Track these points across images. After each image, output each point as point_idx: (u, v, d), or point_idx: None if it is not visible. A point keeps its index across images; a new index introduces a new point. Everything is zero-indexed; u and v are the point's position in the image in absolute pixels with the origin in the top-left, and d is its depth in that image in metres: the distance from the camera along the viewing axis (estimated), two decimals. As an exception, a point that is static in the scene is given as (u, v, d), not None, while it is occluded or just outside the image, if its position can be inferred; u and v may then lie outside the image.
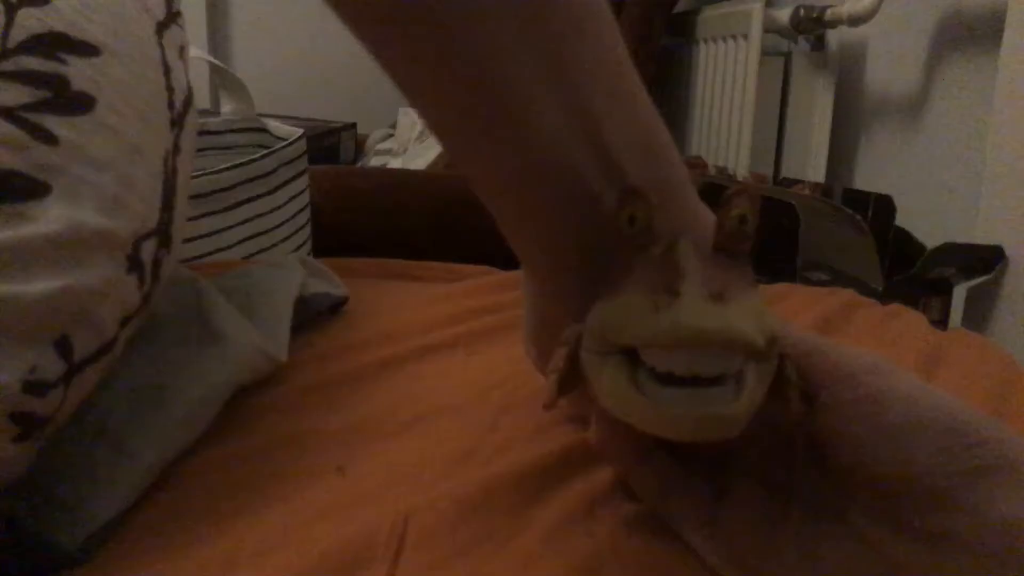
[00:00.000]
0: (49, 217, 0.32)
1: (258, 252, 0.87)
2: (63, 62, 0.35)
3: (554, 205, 0.31)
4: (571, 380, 0.31)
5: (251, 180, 0.86)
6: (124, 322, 0.37)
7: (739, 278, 0.28)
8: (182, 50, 0.47)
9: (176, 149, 0.42)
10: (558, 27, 0.29)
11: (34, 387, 0.31)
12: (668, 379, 0.27)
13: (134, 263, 0.37)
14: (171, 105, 0.43)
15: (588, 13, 0.30)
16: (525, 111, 0.29)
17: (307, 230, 0.99)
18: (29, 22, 0.34)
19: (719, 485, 0.33)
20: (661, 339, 0.26)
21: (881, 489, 0.27)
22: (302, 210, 0.96)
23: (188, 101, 0.45)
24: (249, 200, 0.86)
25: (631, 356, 0.28)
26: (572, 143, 0.30)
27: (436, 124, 0.32)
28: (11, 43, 0.33)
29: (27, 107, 0.33)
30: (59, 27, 0.36)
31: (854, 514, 0.28)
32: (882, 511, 0.27)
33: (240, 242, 0.85)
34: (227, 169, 0.83)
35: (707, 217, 0.33)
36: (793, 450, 0.32)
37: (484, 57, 0.29)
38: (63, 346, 0.33)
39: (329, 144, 1.63)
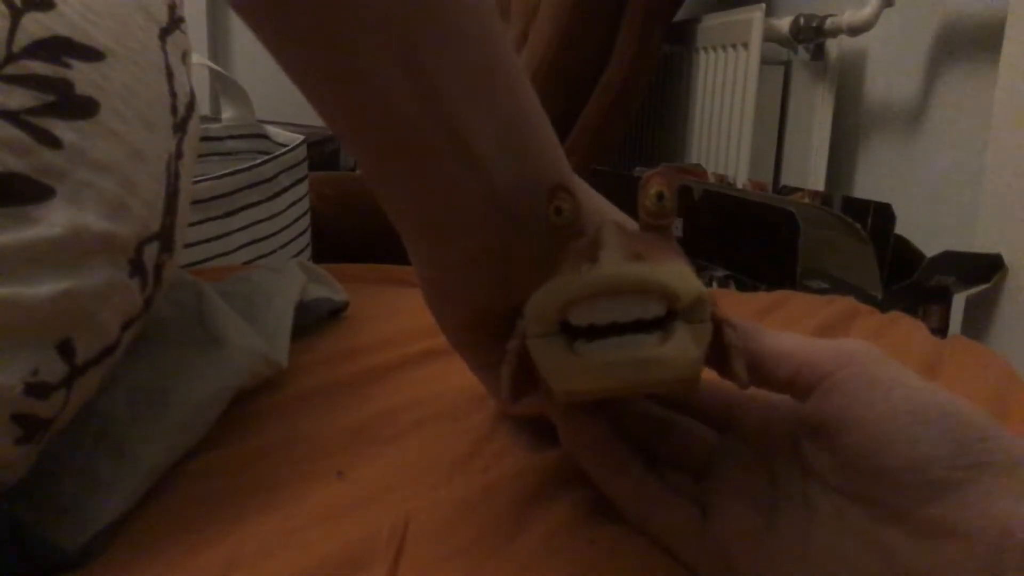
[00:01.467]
0: (52, 220, 0.32)
1: (258, 257, 0.87)
2: (67, 66, 0.35)
3: (421, 191, 0.32)
4: (525, 377, 0.32)
5: (252, 186, 0.86)
6: (126, 325, 0.37)
7: (661, 248, 0.30)
8: (185, 55, 0.47)
9: (179, 153, 0.42)
10: (416, 24, 0.30)
11: (36, 389, 0.32)
12: (596, 334, 0.28)
13: (136, 267, 0.37)
14: (174, 110, 0.43)
15: (456, 8, 0.31)
16: (383, 100, 0.30)
17: (307, 236, 0.99)
18: (34, 27, 0.35)
19: (702, 502, 0.33)
20: (581, 291, 0.27)
21: (883, 477, 0.27)
22: (302, 216, 0.97)
23: (191, 106, 0.45)
24: (249, 206, 0.86)
25: (569, 333, 0.29)
26: (429, 131, 0.31)
27: (322, 116, 0.33)
28: (16, 47, 0.34)
29: (31, 111, 0.33)
30: (64, 32, 0.36)
31: (851, 509, 0.28)
32: (882, 501, 0.27)
33: (240, 247, 0.85)
34: (228, 175, 0.83)
35: (597, 200, 0.36)
36: (775, 459, 0.32)
37: (343, 46, 0.30)
38: (65, 349, 0.33)
39: (330, 151, 1.64)
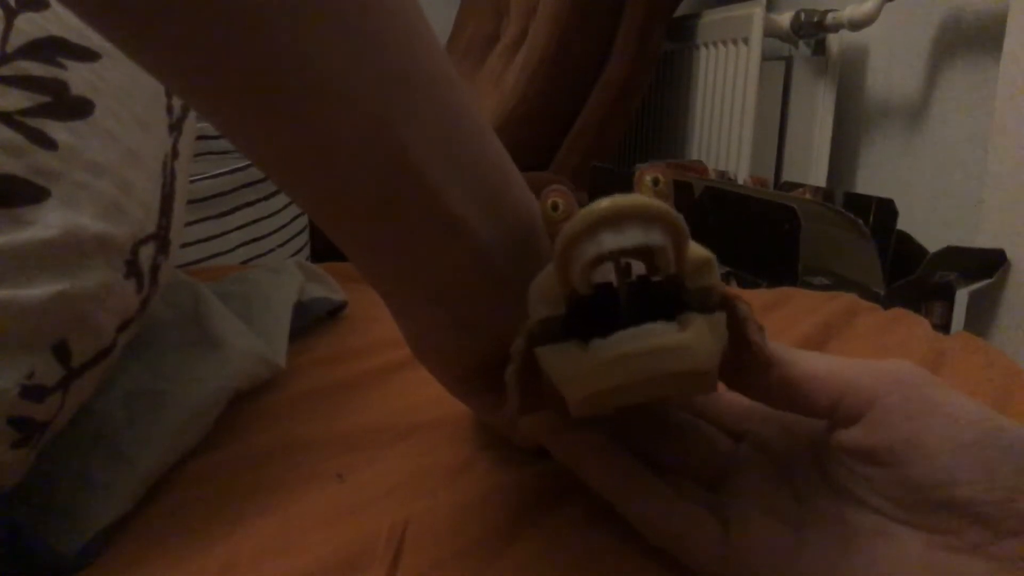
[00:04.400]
0: (48, 222, 0.32)
1: (256, 256, 0.87)
2: (62, 67, 0.35)
3: (404, 261, 0.31)
4: (531, 391, 0.31)
5: (249, 185, 0.86)
6: (122, 327, 0.37)
7: None
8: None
9: (174, 153, 0.42)
10: (383, 94, 0.28)
11: (32, 392, 0.31)
12: (609, 328, 0.27)
13: (132, 268, 0.37)
14: (169, 110, 0.42)
15: (421, 73, 0.29)
16: (355, 175, 0.28)
17: (305, 235, 0.99)
18: (28, 27, 0.34)
19: (721, 514, 0.32)
20: (581, 224, 0.26)
21: (957, 508, 0.26)
22: (300, 215, 0.96)
23: (186, 106, 0.45)
24: (247, 204, 0.86)
25: (581, 335, 0.28)
26: (405, 201, 0.29)
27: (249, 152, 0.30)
28: (10, 48, 0.33)
29: (26, 112, 0.33)
30: (58, 32, 0.36)
31: (908, 534, 0.27)
32: (955, 531, 0.26)
33: (238, 246, 0.85)
34: (225, 173, 0.83)
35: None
36: (796, 474, 0.32)
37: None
38: (61, 351, 0.33)
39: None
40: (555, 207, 0.29)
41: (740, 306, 0.30)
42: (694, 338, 0.27)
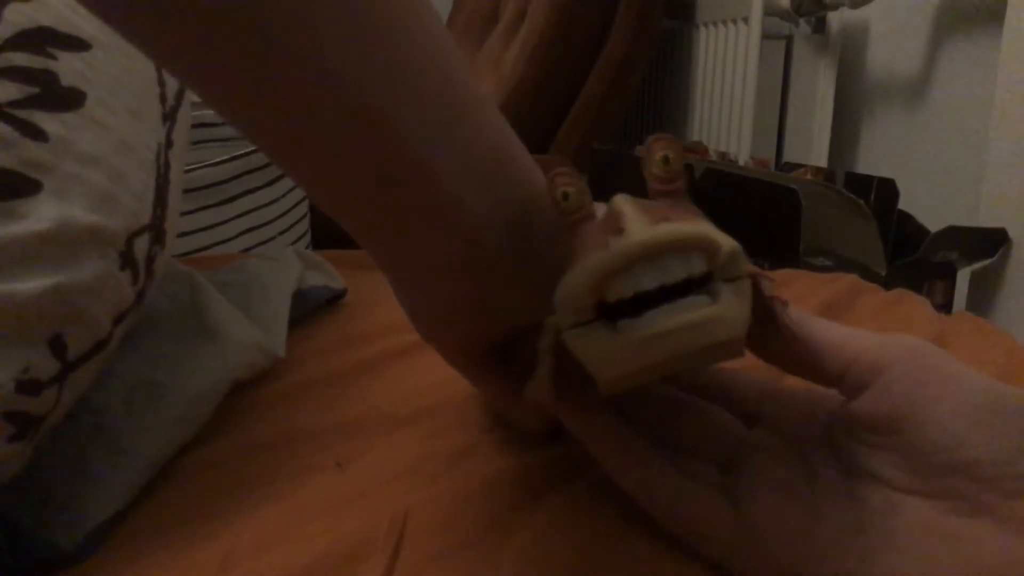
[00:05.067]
0: (40, 214, 0.32)
1: (257, 244, 0.87)
2: (52, 57, 0.35)
3: (398, 240, 0.31)
4: (563, 380, 0.31)
5: (249, 172, 0.85)
6: (118, 319, 0.36)
7: (683, 209, 0.28)
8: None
9: (168, 143, 0.42)
10: (367, 69, 0.27)
11: (28, 386, 0.31)
12: (640, 307, 0.27)
13: (127, 259, 0.36)
14: (163, 99, 0.42)
15: (413, 48, 0.28)
16: (344, 151, 0.28)
17: (306, 222, 0.99)
18: (17, 17, 0.34)
19: (732, 495, 0.32)
20: (617, 262, 0.26)
21: (960, 471, 0.26)
22: (301, 202, 0.96)
23: (180, 95, 0.45)
24: (247, 192, 0.86)
25: (608, 317, 0.28)
26: (396, 175, 0.29)
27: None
28: (-1, 39, 0.33)
29: (16, 103, 0.33)
30: (48, 22, 0.35)
31: (915, 502, 0.27)
32: (960, 494, 0.26)
33: (239, 235, 0.85)
34: (225, 161, 0.82)
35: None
36: (810, 454, 0.32)
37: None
38: (56, 345, 0.33)
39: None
40: (565, 196, 0.29)
41: (764, 283, 0.29)
42: (726, 309, 0.27)
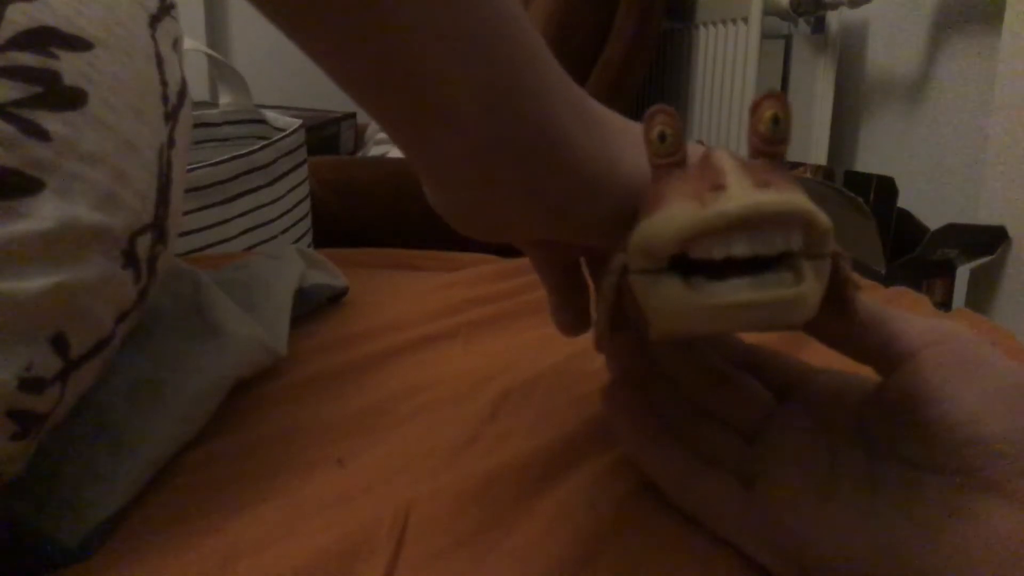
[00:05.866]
0: (43, 213, 0.32)
1: (259, 244, 0.87)
2: (55, 57, 0.35)
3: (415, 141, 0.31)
4: (618, 315, 0.30)
5: (250, 172, 0.85)
6: (120, 318, 0.37)
7: (782, 175, 0.27)
8: (176, 42, 0.47)
9: (171, 143, 0.42)
10: None
11: (31, 384, 0.31)
12: (723, 273, 0.26)
13: (129, 258, 0.37)
14: (165, 99, 0.42)
15: None
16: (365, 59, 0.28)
17: (307, 221, 0.99)
18: (19, 17, 0.34)
19: (750, 467, 0.33)
20: (716, 223, 0.24)
21: (977, 447, 0.27)
22: (302, 201, 0.96)
23: (183, 94, 0.45)
24: (249, 192, 0.86)
25: (682, 269, 0.27)
26: (412, 89, 0.28)
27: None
28: (1, 39, 0.33)
29: (18, 103, 0.33)
30: (50, 21, 0.35)
31: (929, 479, 0.28)
32: (973, 470, 0.27)
33: (240, 234, 0.85)
34: (226, 161, 0.82)
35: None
36: (837, 434, 0.32)
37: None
38: (59, 343, 0.33)
39: (329, 134, 1.63)
40: (662, 137, 0.28)
41: (843, 265, 0.29)
42: (809, 291, 0.26)
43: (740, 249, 0.25)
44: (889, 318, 0.30)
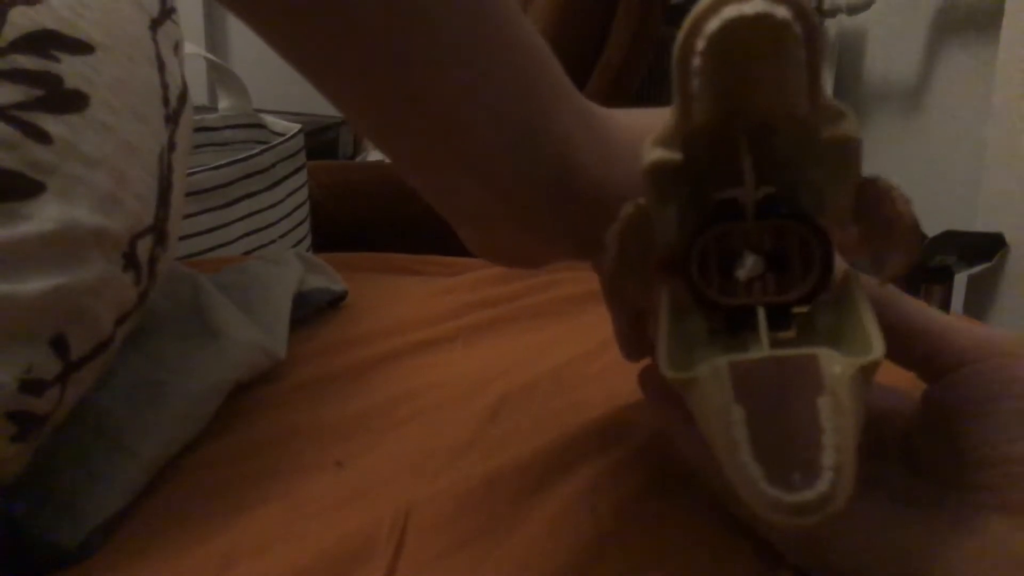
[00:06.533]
0: (43, 216, 0.32)
1: (258, 248, 0.87)
2: (56, 60, 0.35)
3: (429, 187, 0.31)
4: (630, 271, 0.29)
5: (249, 176, 0.86)
6: (120, 320, 0.37)
7: None
8: (176, 46, 0.47)
9: (171, 146, 0.42)
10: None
11: (31, 386, 0.31)
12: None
13: (130, 261, 0.37)
14: (166, 102, 0.42)
15: None
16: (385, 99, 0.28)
17: (307, 225, 0.99)
18: (21, 20, 0.34)
19: None
20: (699, 8, 0.23)
21: (998, 466, 0.27)
22: (301, 205, 0.96)
23: (183, 97, 0.45)
24: (248, 196, 0.86)
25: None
26: (429, 132, 0.29)
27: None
28: (3, 41, 0.33)
29: (20, 106, 0.33)
30: (52, 25, 0.36)
31: (952, 495, 0.28)
32: (1004, 498, 0.26)
33: (239, 238, 0.85)
34: (225, 165, 0.82)
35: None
36: (885, 453, 0.32)
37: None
38: (59, 345, 0.33)
39: (328, 139, 1.63)
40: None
41: (881, 181, 0.27)
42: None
43: (729, 11, 0.23)
44: (938, 327, 0.30)
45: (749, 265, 0.27)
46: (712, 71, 0.24)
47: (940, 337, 0.29)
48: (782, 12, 0.23)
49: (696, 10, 0.23)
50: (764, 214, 0.27)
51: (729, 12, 0.23)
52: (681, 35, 0.24)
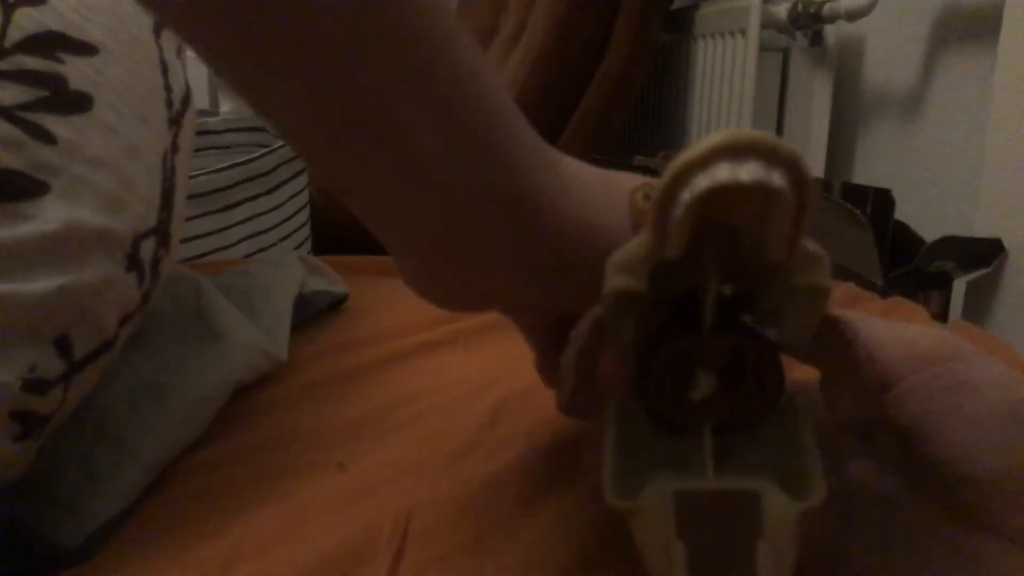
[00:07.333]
0: (48, 216, 0.32)
1: (258, 251, 0.87)
2: (61, 61, 0.35)
3: (377, 208, 0.30)
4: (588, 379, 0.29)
5: (250, 179, 0.86)
6: (123, 321, 0.37)
7: None
8: (180, 50, 0.47)
9: (174, 148, 0.42)
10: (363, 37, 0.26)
11: (34, 386, 0.32)
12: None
13: (133, 262, 0.37)
14: (169, 104, 0.43)
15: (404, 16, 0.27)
16: (333, 115, 0.27)
17: (307, 229, 0.99)
18: (27, 22, 0.34)
19: None
20: (692, 156, 0.23)
21: (971, 486, 0.25)
22: (301, 209, 0.96)
23: (186, 100, 0.45)
24: (249, 199, 0.86)
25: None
26: (378, 149, 0.28)
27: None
28: (8, 43, 0.33)
29: (25, 106, 0.33)
30: (57, 26, 0.36)
31: (932, 511, 0.27)
32: (970, 509, 0.26)
33: (240, 241, 0.85)
34: (226, 168, 0.83)
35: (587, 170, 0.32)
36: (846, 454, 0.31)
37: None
38: (63, 345, 0.33)
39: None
40: (646, 196, 0.27)
41: (843, 324, 0.27)
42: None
43: (722, 174, 0.22)
44: (877, 338, 0.28)
45: (703, 387, 0.27)
46: (693, 222, 0.23)
47: (881, 351, 0.28)
48: (777, 180, 0.22)
49: (686, 159, 0.22)
50: (724, 320, 0.27)
51: (721, 175, 0.22)
52: (667, 179, 0.23)
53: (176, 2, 0.25)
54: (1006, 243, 1.08)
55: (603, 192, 0.31)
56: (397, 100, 0.26)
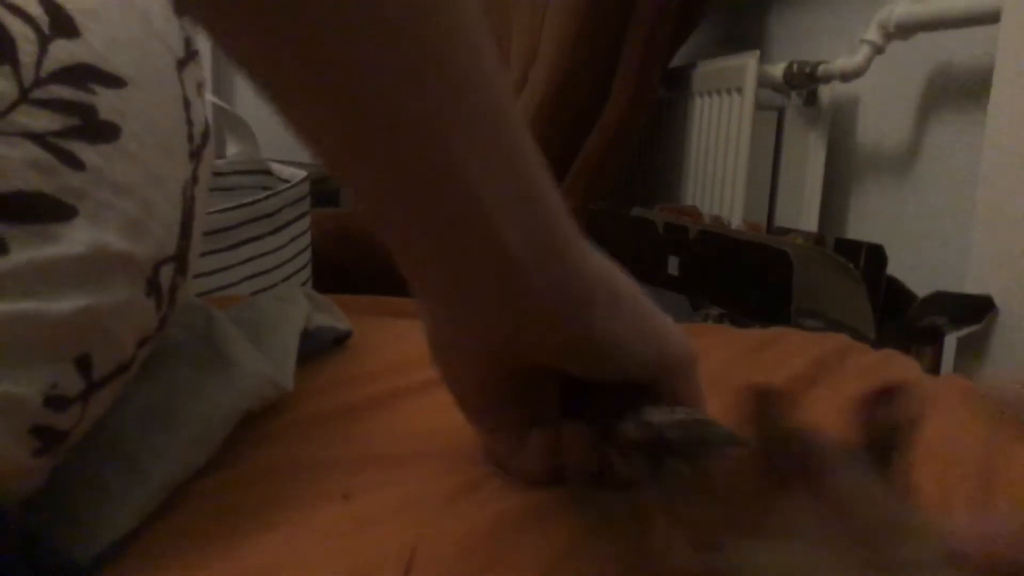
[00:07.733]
0: (74, 238, 0.34)
1: (261, 290, 0.88)
2: (92, 92, 0.37)
3: (438, 259, 0.34)
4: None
5: (255, 220, 0.87)
6: (141, 343, 0.38)
7: None
8: (200, 86, 0.49)
9: (194, 179, 0.43)
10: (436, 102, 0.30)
11: (55, 402, 0.32)
12: None
13: (153, 286, 0.38)
14: (190, 137, 0.44)
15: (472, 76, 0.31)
16: (402, 176, 0.31)
17: (308, 270, 1.00)
18: (61, 54, 0.36)
19: None
20: None
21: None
22: (304, 251, 0.98)
23: (206, 135, 0.47)
24: (252, 239, 0.87)
25: None
26: (448, 204, 0.32)
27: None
28: (44, 72, 0.35)
29: (57, 133, 0.34)
30: (88, 59, 0.37)
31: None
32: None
33: (244, 280, 0.86)
34: (232, 208, 0.84)
35: (600, 262, 0.36)
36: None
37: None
38: (83, 363, 0.34)
39: (332, 187, 1.65)
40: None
41: None
42: None
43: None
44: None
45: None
46: None
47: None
48: None
49: None
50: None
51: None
52: None
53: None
54: (996, 300, 1.09)
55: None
56: (474, 168, 0.31)
